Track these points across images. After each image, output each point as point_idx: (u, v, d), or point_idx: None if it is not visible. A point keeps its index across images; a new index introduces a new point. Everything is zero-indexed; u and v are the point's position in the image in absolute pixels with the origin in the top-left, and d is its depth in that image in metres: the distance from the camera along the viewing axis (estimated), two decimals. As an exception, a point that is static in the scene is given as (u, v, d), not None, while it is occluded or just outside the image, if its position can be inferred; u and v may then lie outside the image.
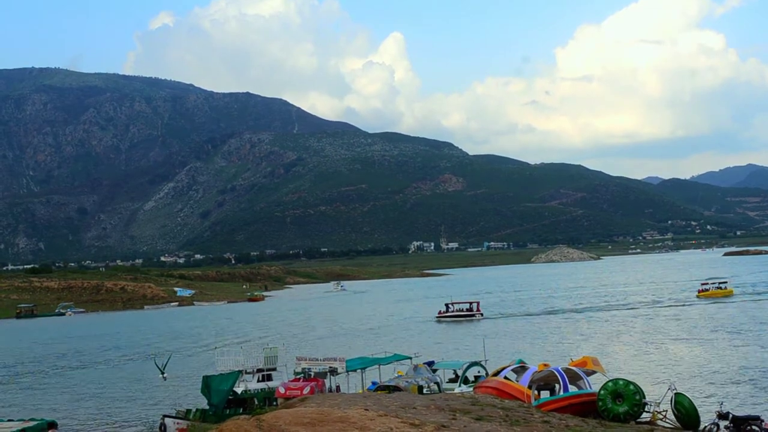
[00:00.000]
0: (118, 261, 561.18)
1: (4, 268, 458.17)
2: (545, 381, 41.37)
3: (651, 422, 37.80)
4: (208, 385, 49.57)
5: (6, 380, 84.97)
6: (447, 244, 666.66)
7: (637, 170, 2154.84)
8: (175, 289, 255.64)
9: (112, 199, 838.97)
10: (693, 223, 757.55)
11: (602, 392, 38.00)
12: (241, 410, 47.31)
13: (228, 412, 47.21)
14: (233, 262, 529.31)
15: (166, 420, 47.74)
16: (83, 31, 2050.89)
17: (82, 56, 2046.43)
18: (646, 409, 38.19)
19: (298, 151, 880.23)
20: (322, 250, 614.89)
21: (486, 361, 55.15)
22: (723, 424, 37.65)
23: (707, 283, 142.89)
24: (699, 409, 38.99)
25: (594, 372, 43.00)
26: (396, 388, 46.07)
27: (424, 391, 47.21)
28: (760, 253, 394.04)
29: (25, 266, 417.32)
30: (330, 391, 48.40)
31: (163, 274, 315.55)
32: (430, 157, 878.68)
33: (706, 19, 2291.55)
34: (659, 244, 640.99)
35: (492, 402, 35.48)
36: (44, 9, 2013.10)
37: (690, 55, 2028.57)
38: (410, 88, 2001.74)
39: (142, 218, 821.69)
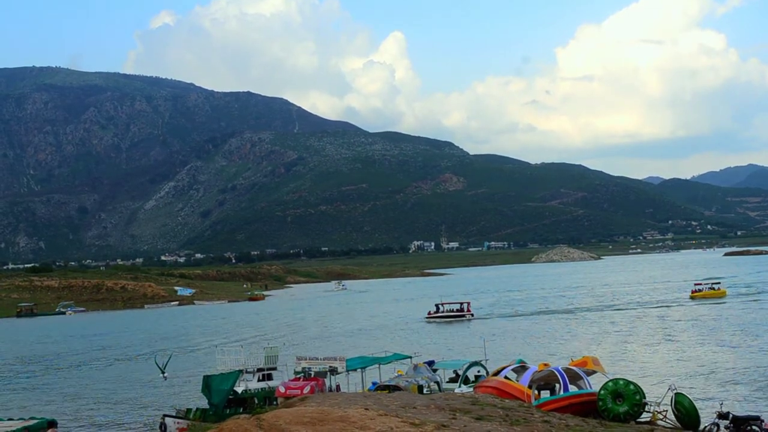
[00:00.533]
0: (118, 260, 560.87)
1: (5, 267, 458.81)
2: (545, 381, 41.37)
3: (651, 422, 37.81)
4: (208, 384, 49.50)
5: (6, 379, 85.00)
6: (447, 244, 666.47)
7: (637, 170, 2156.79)
8: (176, 288, 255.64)
9: (112, 199, 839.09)
10: (693, 223, 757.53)
11: (602, 392, 38.01)
12: (241, 410, 47.27)
13: (228, 411, 47.15)
14: (234, 261, 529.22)
15: (167, 419, 47.69)
16: (84, 30, 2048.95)
17: (82, 55, 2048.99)
18: (646, 409, 38.20)
19: (299, 150, 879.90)
20: (323, 249, 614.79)
21: (486, 360, 55.11)
22: (723, 424, 37.65)
23: (700, 284, 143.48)
24: (699, 410, 38.98)
25: (594, 372, 43.01)
26: (396, 388, 46.07)
27: (425, 390, 47.21)
28: (760, 253, 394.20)
29: (26, 265, 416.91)
30: (330, 390, 48.38)
31: (163, 273, 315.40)
32: (430, 157, 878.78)
33: (707, 19, 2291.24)
34: (660, 244, 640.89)
35: (492, 402, 35.48)
36: (45, 8, 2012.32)
37: (691, 55, 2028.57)
38: (411, 88, 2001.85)
39: (142, 217, 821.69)
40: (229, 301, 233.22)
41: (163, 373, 62.28)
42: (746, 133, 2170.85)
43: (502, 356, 64.11)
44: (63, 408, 63.42)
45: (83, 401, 67.03)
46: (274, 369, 54.41)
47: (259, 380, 52.41)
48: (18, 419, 38.73)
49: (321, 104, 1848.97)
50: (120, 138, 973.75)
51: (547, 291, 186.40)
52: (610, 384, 38.24)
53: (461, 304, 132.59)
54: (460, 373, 52.83)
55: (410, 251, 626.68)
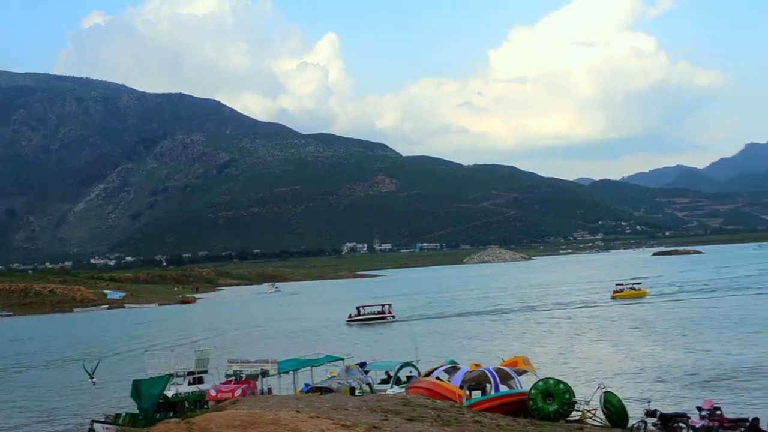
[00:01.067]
0: (47, 263, 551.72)
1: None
2: (477, 381, 41.55)
3: (581, 421, 38.16)
4: (138, 388, 48.88)
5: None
6: (380, 245, 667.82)
7: (569, 171, 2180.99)
8: (106, 291, 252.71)
9: (41, 201, 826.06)
10: (623, 223, 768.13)
11: (533, 391, 38.28)
12: (171, 414, 46.70)
13: (158, 416, 46.59)
14: (165, 264, 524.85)
15: (95, 425, 47.12)
16: (13, 30, 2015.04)
17: (12, 56, 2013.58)
18: (576, 408, 38.55)
19: (231, 152, 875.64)
20: (255, 251, 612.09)
21: (418, 361, 55.19)
22: (651, 421, 38.11)
23: (622, 284, 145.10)
24: (628, 408, 39.43)
25: (525, 371, 43.31)
26: (328, 390, 45.99)
27: (356, 392, 47.15)
28: (688, 252, 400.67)
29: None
30: (262, 393, 48.11)
31: (93, 276, 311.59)
32: (363, 159, 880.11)
33: (638, 22, 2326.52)
34: (590, 245, 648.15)
35: (424, 402, 35.54)
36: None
37: (622, 57, 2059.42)
38: (344, 89, 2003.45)
39: (72, 220, 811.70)
40: (160, 305, 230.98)
41: (91, 378, 61.52)
42: (675, 134, 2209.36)
43: (434, 357, 64.25)
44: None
45: (8, 408, 65.86)
46: (205, 372, 53.98)
47: (189, 384, 51.93)
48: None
49: (254, 106, 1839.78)
50: (49, 139, 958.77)
51: (476, 292, 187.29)
52: (541, 383, 38.52)
53: (382, 306, 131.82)
54: (392, 374, 52.89)
55: (343, 253, 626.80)
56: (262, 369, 50.27)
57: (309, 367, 53.78)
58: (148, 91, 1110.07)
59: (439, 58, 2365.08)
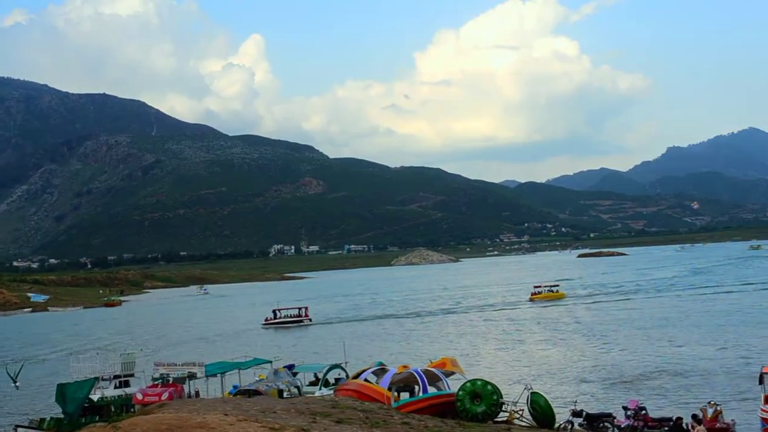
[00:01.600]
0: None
1: None
2: (405, 382, 41.64)
3: (508, 421, 38.41)
4: (62, 392, 48.15)
5: None
6: (308, 247, 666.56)
7: (495, 173, 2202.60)
8: (29, 294, 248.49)
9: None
10: (548, 225, 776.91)
11: (461, 393, 38.44)
12: (97, 418, 46.09)
13: (84, 420, 45.93)
14: (89, 266, 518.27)
15: (19, 430, 46.39)
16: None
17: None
18: (503, 409, 38.78)
19: (157, 153, 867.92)
20: (182, 253, 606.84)
21: (346, 363, 55.24)
22: (577, 421, 38.65)
23: (540, 287, 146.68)
24: (554, 408, 39.82)
25: (453, 373, 43.47)
26: (256, 392, 45.76)
27: (285, 394, 47.07)
28: (612, 254, 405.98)
29: None
30: (189, 396, 47.75)
31: (15, 279, 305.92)
32: (290, 160, 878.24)
33: (561, 26, 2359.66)
34: (516, 246, 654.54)
35: (352, 404, 35.55)
36: None
37: (545, 61, 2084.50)
38: (270, 91, 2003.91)
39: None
40: (84, 307, 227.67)
41: (15, 382, 60.49)
42: (599, 137, 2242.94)
43: (362, 359, 64.32)
44: None
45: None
46: (132, 376, 53.40)
47: (115, 387, 51.34)
48: None
49: (179, 107, 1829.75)
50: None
51: (401, 294, 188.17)
52: (468, 385, 38.70)
53: (299, 309, 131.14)
54: (320, 376, 52.87)
55: (270, 255, 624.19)
56: (189, 372, 49.91)
57: (237, 370, 53.55)
58: (71, 91, 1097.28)
59: (365, 61, 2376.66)
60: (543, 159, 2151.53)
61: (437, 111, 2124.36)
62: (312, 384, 53.14)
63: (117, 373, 52.68)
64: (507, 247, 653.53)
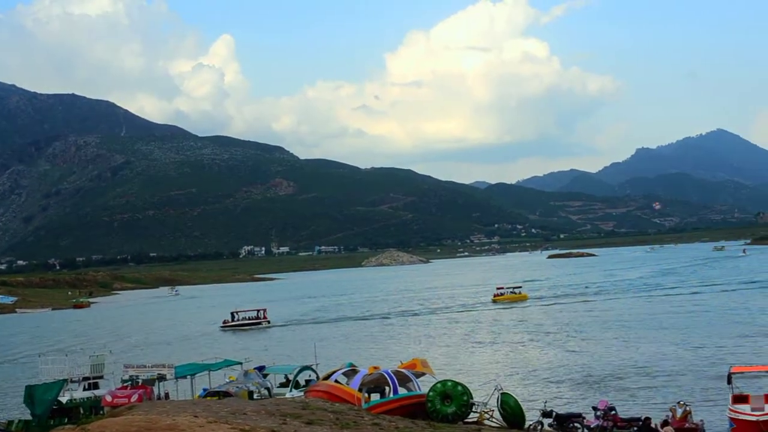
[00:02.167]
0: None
1: None
2: (375, 383, 41.65)
3: (478, 422, 38.52)
4: (31, 394, 47.90)
5: None
6: (278, 249, 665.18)
7: (465, 175, 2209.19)
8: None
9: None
10: (519, 226, 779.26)
11: (431, 394, 38.50)
12: (66, 420, 45.86)
13: (52, 422, 45.68)
14: (58, 267, 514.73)
15: (-13, 432, 46.10)
16: None
17: None
18: (473, 410, 38.88)
19: (126, 154, 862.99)
20: (151, 255, 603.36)
21: (317, 365, 55.17)
22: (547, 422, 38.80)
23: (502, 288, 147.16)
24: (524, 408, 39.97)
25: (423, 374, 43.53)
26: (226, 394, 45.68)
27: (255, 396, 47.02)
28: (582, 255, 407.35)
29: None
30: (159, 398, 47.62)
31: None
32: (260, 161, 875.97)
33: (531, 28, 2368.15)
34: (486, 247, 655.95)
35: (323, 406, 35.54)
36: None
37: (516, 62, 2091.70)
38: (240, 92, 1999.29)
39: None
40: (53, 309, 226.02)
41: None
42: (569, 138, 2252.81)
43: (333, 360, 64.28)
44: None
45: None
46: (101, 377, 53.13)
47: (84, 389, 51.06)
48: None
49: (149, 107, 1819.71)
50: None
51: (370, 295, 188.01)
52: (439, 385, 38.77)
53: (258, 311, 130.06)
54: (291, 377, 52.77)
55: (240, 256, 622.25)
56: (158, 374, 49.78)
57: (207, 372, 53.39)
58: (39, 91, 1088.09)
59: (335, 62, 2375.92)
60: (513, 160, 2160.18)
61: (408, 112, 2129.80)
62: (282, 385, 53.00)
63: (86, 374, 52.39)
64: (477, 248, 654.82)
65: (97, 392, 50.62)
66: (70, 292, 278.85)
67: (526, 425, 38.65)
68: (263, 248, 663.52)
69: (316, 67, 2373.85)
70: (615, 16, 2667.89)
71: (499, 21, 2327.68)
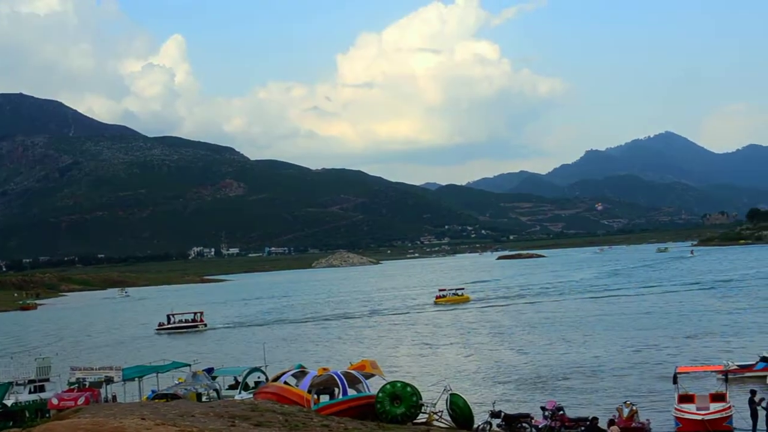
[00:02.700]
0: None
1: None
2: (325, 385, 41.62)
3: (427, 423, 38.61)
4: (-25, 398, 47.48)
5: None
6: (228, 250, 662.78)
7: (416, 176, 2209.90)
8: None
9: None
10: (469, 227, 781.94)
11: (380, 395, 38.53)
12: (11, 424, 45.39)
13: (-3, 426, 45.34)
14: (4, 269, 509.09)
15: (-71, 437, 45.49)
16: None
17: None
18: (422, 410, 38.98)
19: (75, 154, 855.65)
20: (99, 256, 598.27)
21: (266, 366, 55.09)
22: (495, 422, 39.04)
23: (445, 290, 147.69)
24: (473, 409, 40.15)
25: (372, 375, 43.55)
26: (175, 396, 45.40)
27: (204, 398, 46.83)
28: (531, 256, 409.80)
29: None
30: (106, 401, 47.26)
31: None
32: (211, 162, 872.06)
33: (482, 30, 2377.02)
34: (437, 248, 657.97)
35: (272, 407, 35.45)
36: None
37: (467, 64, 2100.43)
38: (191, 92, 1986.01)
39: None
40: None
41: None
42: (518, 140, 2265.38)
43: (282, 362, 64.19)
44: None
45: None
46: (47, 380, 52.74)
47: (30, 392, 50.66)
48: None
49: (98, 107, 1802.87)
50: None
51: (319, 296, 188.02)
52: (388, 386, 38.80)
53: (195, 314, 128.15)
54: (240, 379, 52.65)
55: (190, 257, 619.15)
56: (106, 376, 49.40)
57: (155, 374, 53.10)
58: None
59: (287, 63, 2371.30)
60: (464, 162, 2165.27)
61: (359, 113, 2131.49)
62: (231, 387, 52.94)
63: (32, 377, 52.02)
64: (428, 249, 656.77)
65: (43, 395, 50.21)
66: (16, 294, 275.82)
67: (475, 426, 38.82)
68: (213, 249, 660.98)
69: (268, 68, 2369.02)
70: (565, 19, 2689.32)
71: (450, 23, 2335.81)
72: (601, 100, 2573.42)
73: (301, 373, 43.50)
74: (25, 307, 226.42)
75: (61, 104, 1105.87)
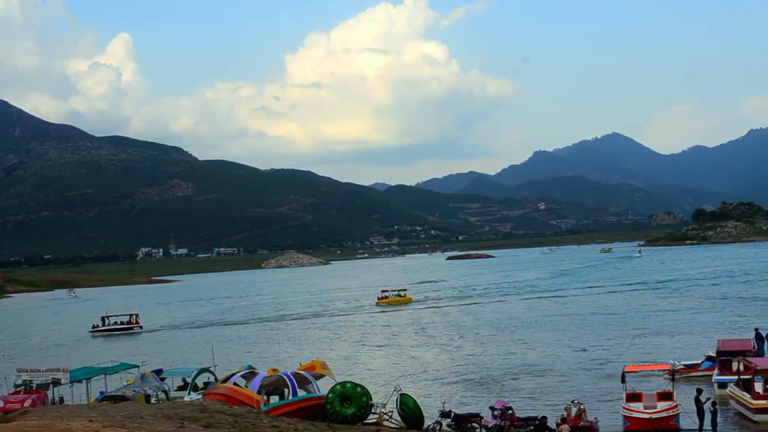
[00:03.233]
0: None
1: None
2: (275, 386, 41.65)
3: (378, 423, 38.78)
4: None
5: None
6: (176, 250, 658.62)
7: (365, 176, 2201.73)
8: None
9: None
10: (418, 228, 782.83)
11: (330, 395, 38.62)
12: (-45, 427, 44.92)
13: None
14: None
15: None
16: None
17: None
18: (373, 411, 39.11)
19: (20, 154, 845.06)
20: (46, 257, 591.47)
21: (215, 367, 54.92)
22: (445, 422, 39.23)
23: (387, 291, 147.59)
24: (423, 409, 40.35)
25: (323, 376, 43.64)
26: (123, 398, 45.13)
27: (152, 399, 46.57)
28: (480, 257, 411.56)
29: None
30: (53, 403, 46.90)
31: None
32: (158, 162, 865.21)
33: (431, 31, 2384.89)
34: (386, 249, 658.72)
35: (221, 409, 35.42)
36: None
37: (415, 65, 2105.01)
38: (138, 91, 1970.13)
39: None
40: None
41: None
42: (467, 141, 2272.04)
43: (232, 363, 64.01)
44: None
45: None
46: (-8, 382, 52.18)
47: (-25, 395, 50.07)
48: None
49: (43, 106, 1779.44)
50: None
51: (266, 297, 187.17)
52: (338, 387, 38.91)
53: (130, 316, 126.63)
54: (189, 380, 52.42)
55: (138, 258, 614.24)
56: (53, 378, 49.01)
57: (103, 375, 52.71)
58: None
59: (235, 62, 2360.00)
60: (413, 162, 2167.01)
61: (308, 113, 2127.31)
62: (180, 389, 52.69)
63: (-24, 380, 51.40)
64: (377, 250, 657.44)
65: (-12, 397, 49.64)
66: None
67: (425, 426, 39.04)
68: (161, 250, 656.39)
69: (215, 68, 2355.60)
70: (513, 20, 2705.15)
71: (398, 23, 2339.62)
72: (549, 101, 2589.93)
73: (250, 374, 43.51)
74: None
75: (6, 103, 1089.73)
